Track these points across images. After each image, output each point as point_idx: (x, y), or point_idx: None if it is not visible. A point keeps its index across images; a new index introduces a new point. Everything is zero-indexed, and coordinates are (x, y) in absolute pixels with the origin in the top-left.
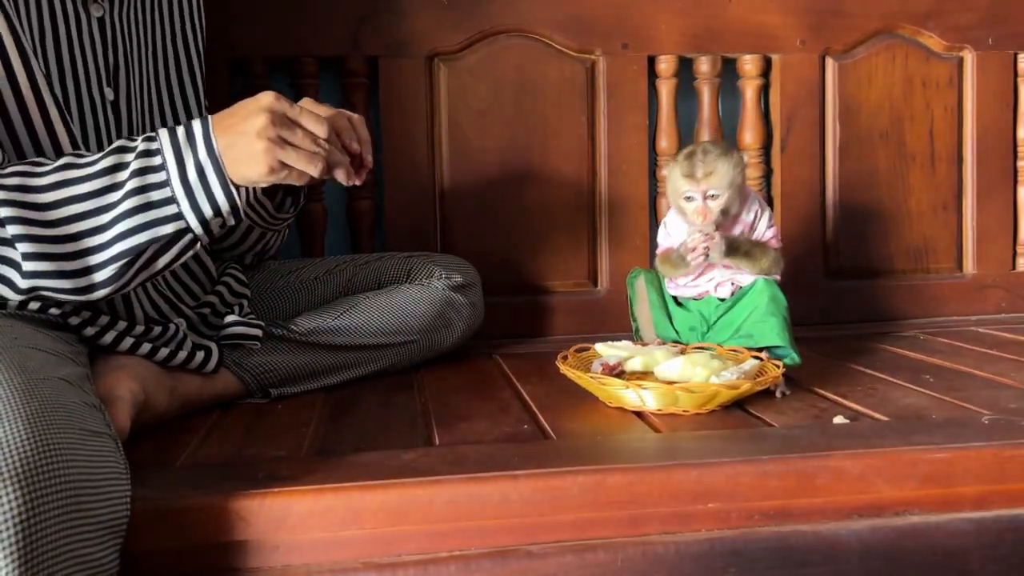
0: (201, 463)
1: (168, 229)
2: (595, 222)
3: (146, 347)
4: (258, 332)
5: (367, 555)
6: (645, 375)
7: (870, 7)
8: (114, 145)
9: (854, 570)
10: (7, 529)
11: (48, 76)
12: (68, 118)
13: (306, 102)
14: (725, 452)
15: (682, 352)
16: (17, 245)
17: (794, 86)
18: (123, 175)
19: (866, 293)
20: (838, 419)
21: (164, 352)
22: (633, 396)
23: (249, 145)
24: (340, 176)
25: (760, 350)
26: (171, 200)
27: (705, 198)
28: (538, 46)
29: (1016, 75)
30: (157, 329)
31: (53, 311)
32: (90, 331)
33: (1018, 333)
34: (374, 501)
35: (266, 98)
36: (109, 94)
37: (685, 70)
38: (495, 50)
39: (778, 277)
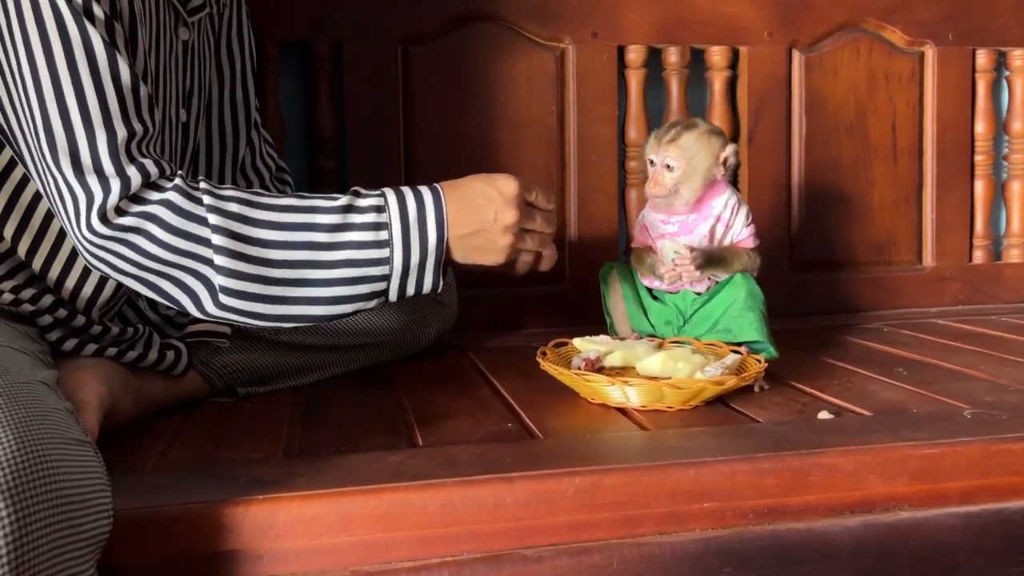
0: (174, 468)
1: (370, 304)
2: (564, 213)
3: (111, 351)
4: (226, 329)
5: (356, 563)
6: (624, 370)
7: (836, 0)
8: (341, 202)
9: (846, 567)
10: None
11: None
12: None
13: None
14: (720, 450)
15: (660, 346)
16: (218, 276)
17: (762, 78)
18: (346, 236)
19: (830, 285)
20: (823, 414)
21: (132, 354)
22: (617, 393)
23: (494, 239)
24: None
25: (738, 344)
26: (385, 278)
27: (663, 166)
28: (508, 33)
29: (975, 71)
30: (129, 330)
31: (26, 307)
32: (54, 335)
33: (977, 324)
34: (365, 507)
35: (511, 186)
36: (182, 115)
37: (654, 61)
38: (464, 36)
39: (755, 274)
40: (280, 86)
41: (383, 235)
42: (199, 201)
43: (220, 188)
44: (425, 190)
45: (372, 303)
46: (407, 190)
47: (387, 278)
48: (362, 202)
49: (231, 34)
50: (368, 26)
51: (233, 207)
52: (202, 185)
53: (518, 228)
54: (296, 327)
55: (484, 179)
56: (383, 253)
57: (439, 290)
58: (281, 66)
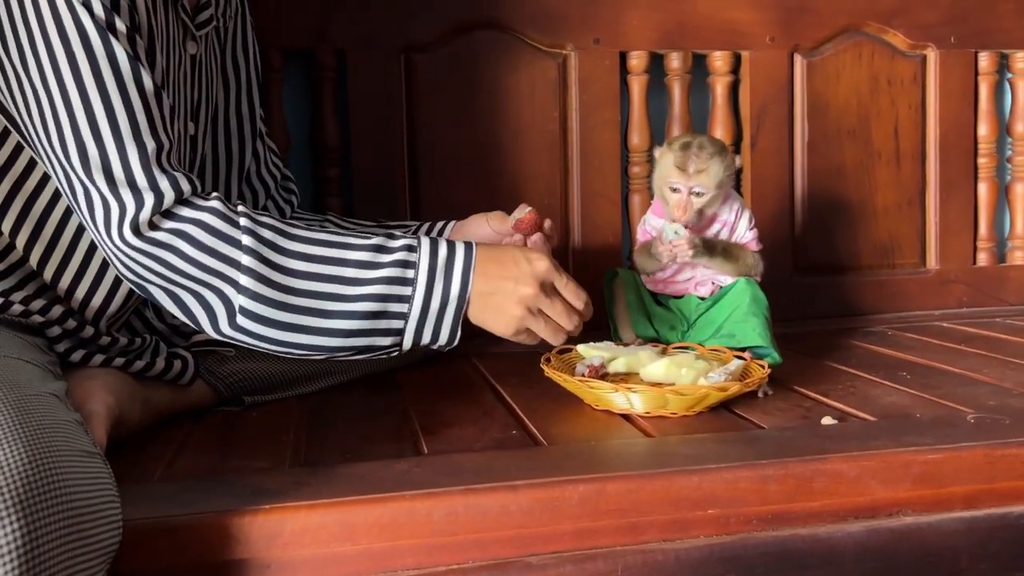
0: (181, 477)
1: (385, 342)
2: (567, 219)
3: (119, 361)
4: None
5: (362, 571)
6: (628, 376)
7: (837, 4)
8: (374, 241)
9: (850, 573)
10: (9, 560)
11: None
12: None
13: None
14: (724, 457)
15: (664, 352)
16: (240, 297)
17: (764, 83)
18: (374, 273)
19: (833, 289)
20: (826, 420)
21: (139, 364)
22: (621, 399)
23: (507, 306)
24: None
25: (742, 350)
26: (403, 316)
27: (690, 193)
28: (510, 41)
29: (977, 73)
30: (136, 341)
31: (36, 318)
32: (62, 346)
33: (981, 327)
34: (370, 516)
35: (542, 265)
36: (191, 128)
37: (656, 66)
38: (467, 44)
39: (758, 279)
40: (284, 95)
41: (409, 273)
42: (236, 223)
43: (259, 214)
44: (460, 242)
45: (387, 341)
46: (442, 239)
47: (405, 316)
48: (395, 242)
49: (236, 46)
50: (371, 35)
51: (268, 234)
52: (240, 208)
53: (533, 305)
54: (304, 356)
55: (522, 250)
56: (406, 291)
57: (454, 344)
58: (285, 75)
